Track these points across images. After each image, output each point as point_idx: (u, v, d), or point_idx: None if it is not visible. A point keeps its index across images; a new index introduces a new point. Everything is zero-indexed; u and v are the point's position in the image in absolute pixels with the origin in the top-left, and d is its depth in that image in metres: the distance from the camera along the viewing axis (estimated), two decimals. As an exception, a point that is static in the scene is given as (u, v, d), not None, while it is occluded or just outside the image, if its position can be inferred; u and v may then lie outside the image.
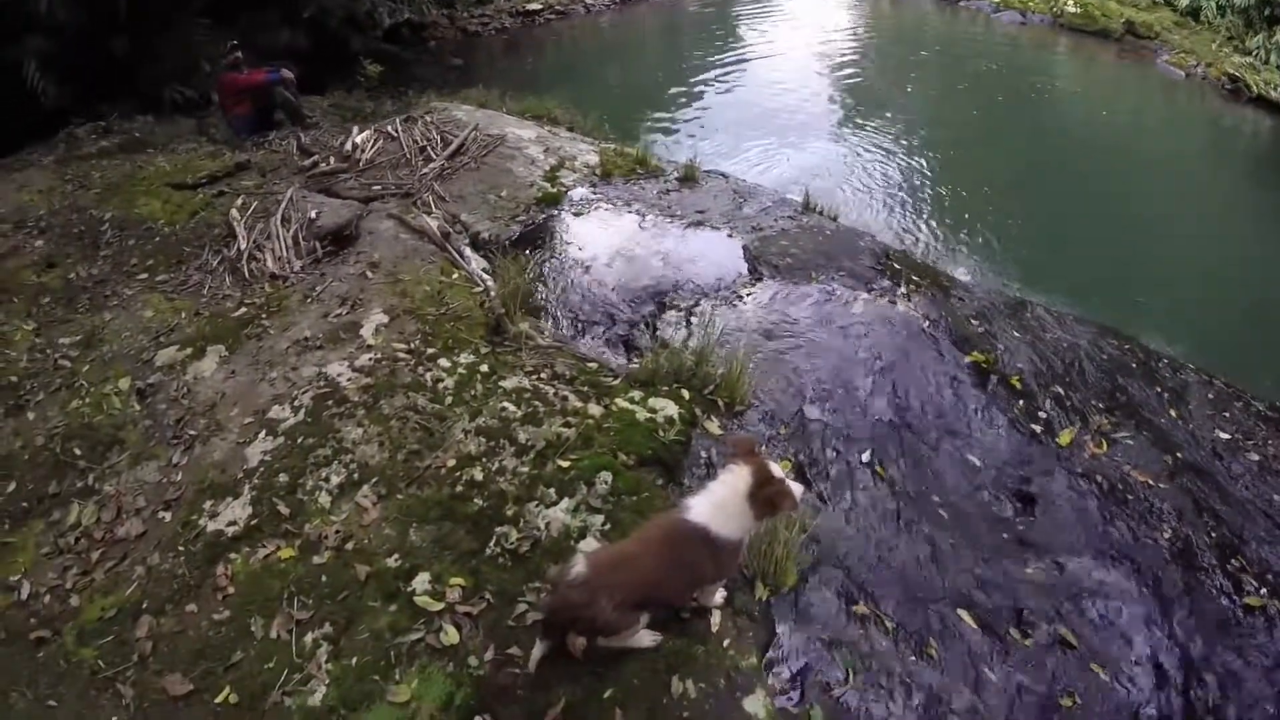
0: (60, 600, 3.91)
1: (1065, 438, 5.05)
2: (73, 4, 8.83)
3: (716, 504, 3.20)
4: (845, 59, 17.41)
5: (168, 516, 4.15)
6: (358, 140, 7.61)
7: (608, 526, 3.94)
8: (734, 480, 3.20)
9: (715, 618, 3.59)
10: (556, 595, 3.18)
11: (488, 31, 18.01)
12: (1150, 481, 4.82)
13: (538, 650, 3.31)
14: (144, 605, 3.78)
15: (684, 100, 14.47)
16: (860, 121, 13.86)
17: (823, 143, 12.88)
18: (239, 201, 6.64)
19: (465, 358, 4.89)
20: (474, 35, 17.81)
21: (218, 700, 3.41)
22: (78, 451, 4.58)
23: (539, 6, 19.02)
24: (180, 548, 3.97)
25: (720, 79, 15.76)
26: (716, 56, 16.94)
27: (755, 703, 3.31)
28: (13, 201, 7.26)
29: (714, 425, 4.65)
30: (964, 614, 3.91)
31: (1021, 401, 5.28)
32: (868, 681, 3.51)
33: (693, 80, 15.49)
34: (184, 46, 10.51)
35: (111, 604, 3.82)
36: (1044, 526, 4.45)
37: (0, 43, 8.50)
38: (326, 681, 3.43)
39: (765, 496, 3.17)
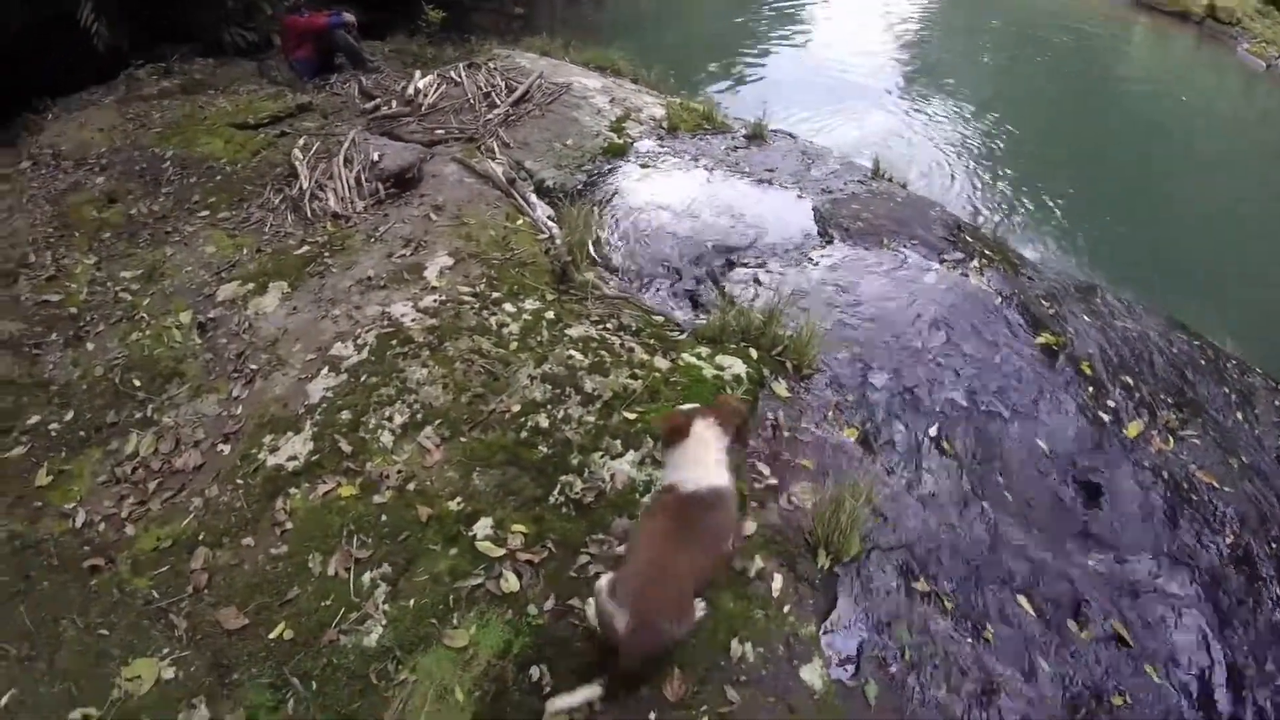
0: (115, 529, 3.86)
1: (1133, 430, 4.85)
2: None
3: (705, 462, 3.07)
4: (915, 22, 16.87)
5: (227, 449, 4.07)
6: (420, 85, 7.46)
7: (672, 481, 3.81)
8: (703, 431, 3.11)
9: (777, 582, 3.50)
10: (628, 659, 2.83)
11: (552, -23, 17.68)
12: (1214, 483, 4.63)
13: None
14: (200, 537, 3.71)
15: (748, 57, 14.06)
16: (931, 89, 13.39)
17: (892, 108, 12.46)
18: (301, 142, 6.52)
19: (530, 304, 4.74)
20: (539, -19, 17.49)
21: (272, 635, 3.36)
22: (137, 383, 4.52)
23: None
24: (239, 481, 3.88)
25: (785, 37, 15.31)
26: (781, 14, 16.47)
27: (812, 672, 3.24)
28: (74, 139, 7.23)
29: (781, 387, 4.49)
30: (1023, 600, 3.81)
31: (1091, 388, 5.06)
32: (924, 661, 3.43)
33: (757, 37, 15.06)
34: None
35: (167, 535, 3.76)
36: (1107, 518, 4.31)
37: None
38: (384, 622, 3.36)
39: (734, 425, 3.20)
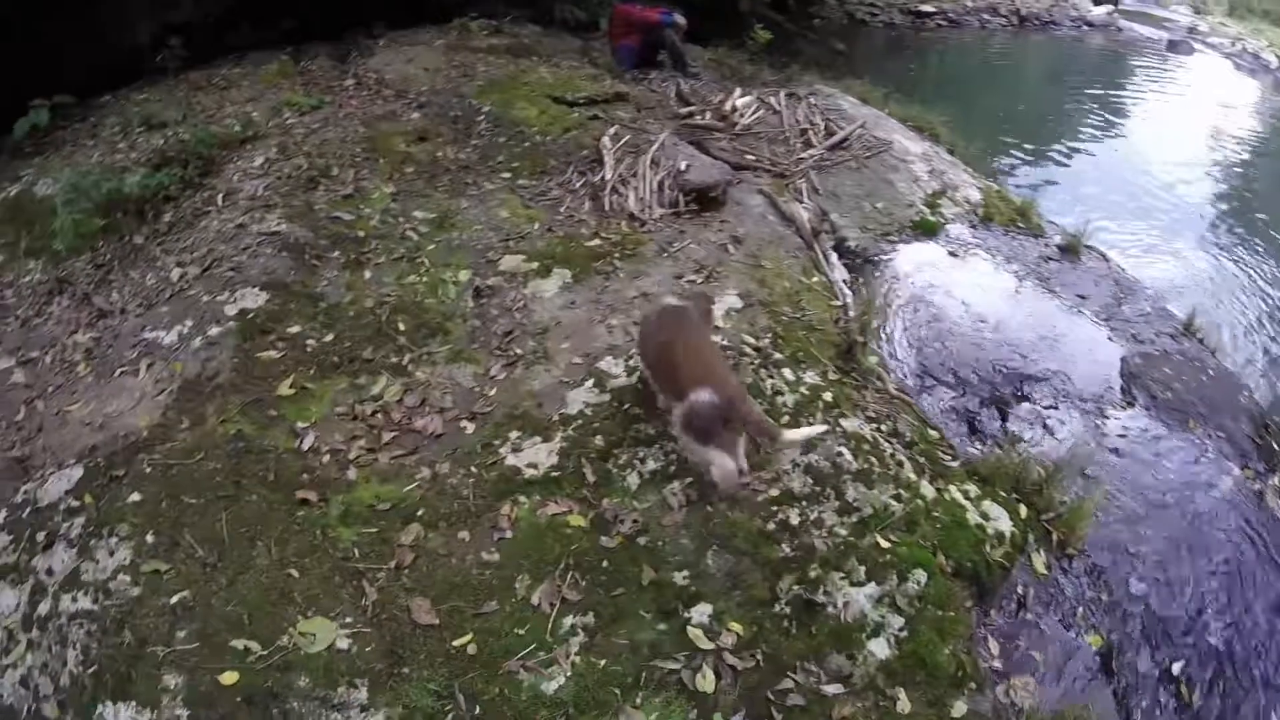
0: (339, 466, 3.71)
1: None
2: None
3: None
4: (1248, 157, 14.86)
5: (470, 429, 3.84)
6: (738, 103, 7.15)
7: (904, 633, 3.29)
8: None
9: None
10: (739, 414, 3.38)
11: (875, 23, 17.11)
12: None
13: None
14: (418, 512, 3.48)
15: (1058, 144, 12.74)
16: (1257, 235, 11.66)
17: (1209, 247, 10.82)
18: (611, 131, 6.34)
19: (810, 377, 4.22)
20: (860, 23, 16.91)
21: (456, 643, 3.08)
22: (401, 326, 4.41)
23: (932, 10, 17.83)
24: (473, 469, 3.63)
25: (1100, 130, 13.81)
26: (1103, 109, 14.94)
27: None
28: (400, 71, 7.49)
29: (1040, 561, 3.84)
30: None
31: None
32: None
33: (1070, 123, 13.67)
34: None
35: (387, 495, 3.56)
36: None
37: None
38: (568, 673, 3.01)
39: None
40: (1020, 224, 6.80)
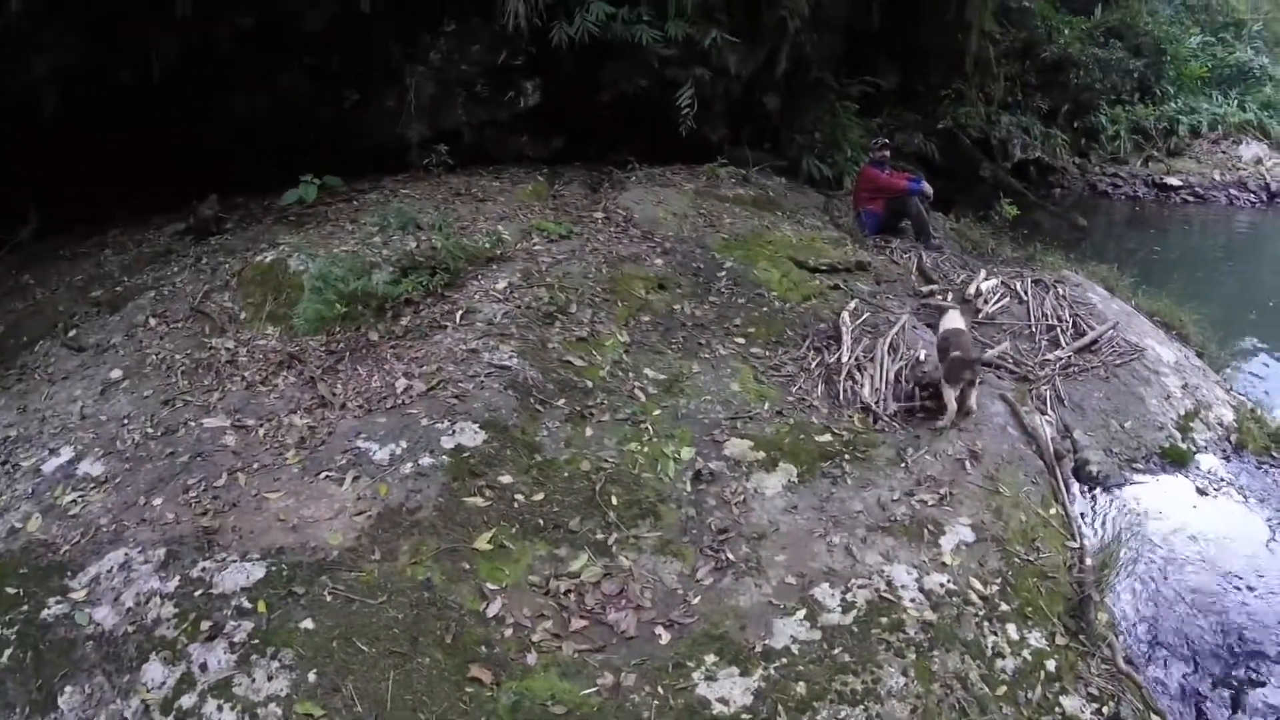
0: (519, 645, 3.51)
1: None
2: (744, 56, 9.10)
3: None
4: None
5: (665, 639, 3.56)
6: (983, 286, 6.73)
7: None
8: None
9: None
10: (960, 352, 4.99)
11: (1117, 195, 16.12)
12: None
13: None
14: (591, 727, 3.19)
15: None
16: None
17: None
18: (851, 305, 6.15)
19: (1035, 638, 3.68)
20: (1101, 195, 16.03)
21: None
22: (613, 500, 4.26)
23: (1178, 183, 16.51)
24: (660, 688, 3.31)
25: None
26: None
27: None
28: (648, 212, 7.54)
29: None
30: None
31: None
32: None
33: None
34: (835, 127, 10.77)
35: (564, 694, 3.29)
36: None
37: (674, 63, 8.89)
38: None
39: None
40: (1274, 453, 5.95)
